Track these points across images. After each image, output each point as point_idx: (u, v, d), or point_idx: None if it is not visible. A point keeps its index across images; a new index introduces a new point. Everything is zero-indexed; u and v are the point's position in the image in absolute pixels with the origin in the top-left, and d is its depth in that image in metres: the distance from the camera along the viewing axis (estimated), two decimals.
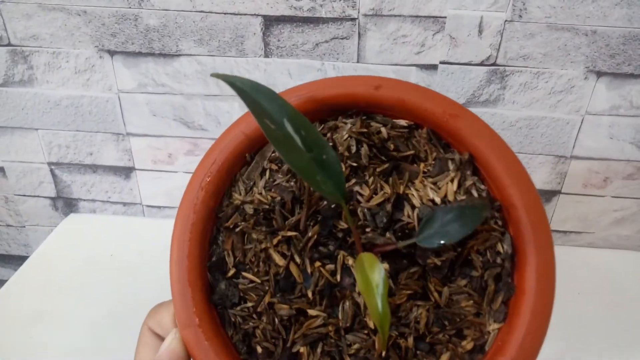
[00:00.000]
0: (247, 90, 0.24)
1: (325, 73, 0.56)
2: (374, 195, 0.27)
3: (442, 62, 0.55)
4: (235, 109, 0.59)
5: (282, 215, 0.27)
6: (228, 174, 0.28)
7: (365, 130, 0.28)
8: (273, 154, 0.29)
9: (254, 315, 0.27)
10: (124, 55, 0.58)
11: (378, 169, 0.27)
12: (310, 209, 0.27)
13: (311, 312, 0.26)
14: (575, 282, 0.59)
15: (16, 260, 0.77)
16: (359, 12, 0.53)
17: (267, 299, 0.27)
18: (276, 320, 0.27)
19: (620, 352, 0.50)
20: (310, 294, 0.26)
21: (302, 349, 0.26)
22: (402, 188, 0.27)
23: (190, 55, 0.57)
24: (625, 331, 0.52)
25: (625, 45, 0.52)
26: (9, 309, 0.54)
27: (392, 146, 0.28)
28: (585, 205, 0.63)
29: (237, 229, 0.28)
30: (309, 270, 0.27)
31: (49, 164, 0.66)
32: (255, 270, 0.27)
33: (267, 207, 0.27)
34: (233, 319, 0.27)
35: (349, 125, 0.28)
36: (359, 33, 0.54)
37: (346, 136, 0.28)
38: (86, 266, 0.60)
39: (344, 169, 0.27)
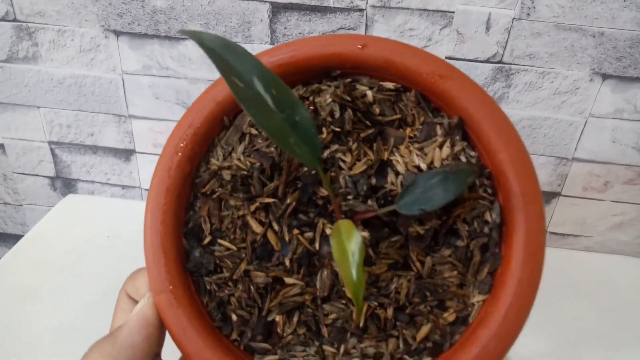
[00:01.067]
0: (215, 48, 0.22)
1: None
2: (356, 162, 0.26)
3: (448, 58, 0.55)
4: None
5: (260, 181, 0.26)
6: (205, 138, 0.27)
7: (349, 93, 0.27)
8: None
9: (230, 283, 0.27)
10: (130, 36, 0.57)
11: (362, 135, 0.26)
12: (290, 176, 0.26)
13: (288, 280, 0.26)
14: (570, 285, 0.59)
15: (12, 239, 0.76)
16: (367, 3, 0.53)
17: (243, 266, 0.26)
18: (252, 288, 0.26)
19: (615, 357, 0.50)
20: (287, 262, 0.26)
21: (277, 318, 0.26)
22: (386, 154, 0.26)
23: None
24: (619, 336, 0.52)
25: (632, 49, 0.52)
26: (2, 286, 0.54)
27: (377, 110, 0.27)
28: (584, 209, 0.62)
29: (214, 195, 0.27)
30: (287, 238, 0.26)
31: (50, 143, 0.66)
32: (232, 237, 0.27)
33: (245, 173, 0.26)
34: (208, 287, 0.27)
35: (332, 89, 0.27)
36: (366, 24, 0.54)
37: (329, 100, 0.26)
38: (82, 246, 0.60)
39: (325, 134, 0.26)
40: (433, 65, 0.26)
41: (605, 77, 0.54)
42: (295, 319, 0.26)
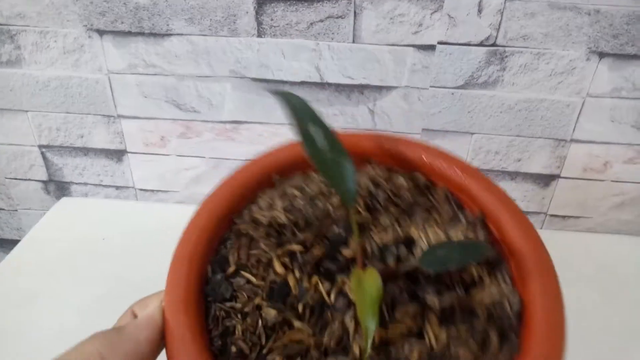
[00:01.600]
0: (297, 109, 0.27)
1: (320, 53, 0.55)
2: (385, 232, 0.28)
3: (440, 43, 0.53)
4: (227, 90, 0.58)
5: (292, 231, 0.29)
6: (251, 191, 0.32)
7: (386, 178, 0.31)
8: (295, 182, 0.32)
9: (239, 315, 0.27)
10: (114, 35, 0.56)
11: (392, 209, 0.29)
12: (320, 232, 0.28)
13: (297, 324, 0.26)
14: (572, 268, 0.58)
15: (9, 244, 0.76)
16: None
17: (257, 300, 0.27)
18: (260, 323, 0.26)
19: (616, 339, 0.49)
20: (300, 307, 0.26)
21: (277, 359, 0.25)
22: (414, 231, 0.28)
23: (181, 34, 0.55)
24: (622, 318, 0.51)
25: (629, 25, 0.50)
26: (1, 290, 0.54)
27: (409, 196, 0.30)
28: (584, 190, 0.62)
29: (247, 234, 0.29)
30: (305, 285, 0.27)
31: (40, 146, 0.65)
32: (254, 272, 0.28)
33: (281, 222, 0.29)
34: (217, 313, 0.27)
35: (371, 170, 0.32)
36: (354, 12, 0.52)
37: (367, 179, 0.31)
38: (78, 249, 0.60)
39: (361, 205, 0.30)
40: (459, 167, 0.31)
41: (602, 55, 0.52)
42: None
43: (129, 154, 0.65)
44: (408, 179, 0.31)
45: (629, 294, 0.54)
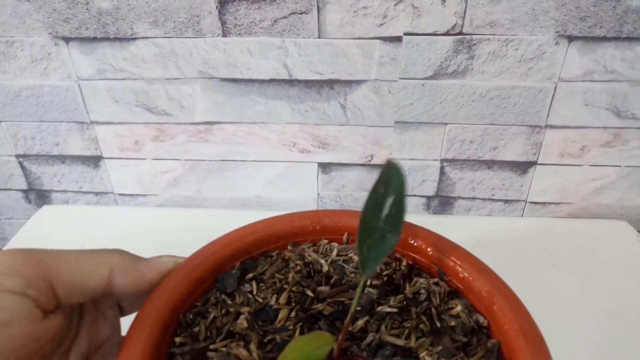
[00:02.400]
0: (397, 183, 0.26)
1: (287, 50, 0.54)
2: (393, 337, 0.27)
3: (406, 34, 0.53)
4: (197, 91, 0.58)
5: (318, 282, 0.30)
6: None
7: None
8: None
9: (217, 309, 0.28)
10: (80, 42, 0.56)
11: (416, 323, 0.28)
12: (339, 294, 0.29)
13: (252, 347, 0.26)
14: (552, 254, 0.58)
15: None
16: None
17: (243, 309, 0.28)
18: (227, 326, 0.28)
19: (595, 324, 0.49)
20: (268, 338, 0.27)
21: None
22: (423, 350, 0.26)
23: (147, 37, 0.55)
24: (603, 303, 0.51)
25: (596, 7, 0.50)
26: None
27: (434, 312, 0.28)
28: (562, 176, 0.61)
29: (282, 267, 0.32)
30: (289, 325, 0.28)
31: (17, 156, 0.65)
32: (263, 285, 0.30)
33: (316, 269, 0.31)
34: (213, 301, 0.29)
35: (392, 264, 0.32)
36: (317, 7, 0.52)
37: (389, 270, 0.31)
38: None
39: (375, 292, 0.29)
40: (476, 266, 0.30)
41: (571, 39, 0.52)
42: None
43: (105, 160, 0.65)
44: (434, 284, 0.30)
45: (611, 278, 0.54)
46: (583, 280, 0.54)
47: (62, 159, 0.65)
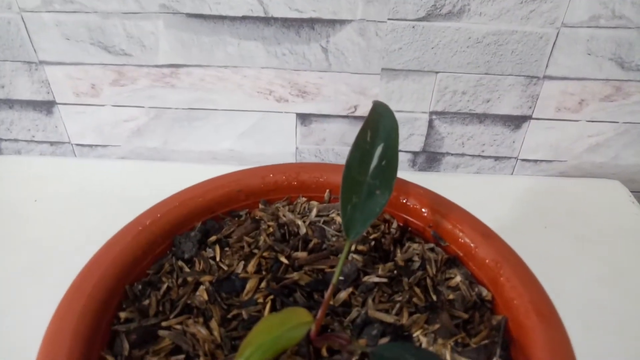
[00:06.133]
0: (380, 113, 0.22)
1: None
2: (383, 313, 0.23)
3: None
4: (160, 29, 0.51)
5: (294, 246, 0.26)
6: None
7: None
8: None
9: (173, 276, 0.25)
10: None
11: (409, 296, 0.24)
12: (319, 261, 0.25)
13: (213, 325, 0.22)
14: (543, 214, 0.55)
15: None
16: None
17: (204, 277, 0.24)
18: (184, 297, 0.24)
19: (590, 285, 0.46)
20: (232, 313, 0.23)
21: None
22: (417, 329, 0.22)
23: None
24: (595, 263, 0.49)
25: None
26: None
27: (429, 283, 0.24)
28: (557, 132, 0.57)
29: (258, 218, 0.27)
30: (257, 298, 0.24)
31: None
32: (231, 250, 0.26)
33: (292, 232, 0.27)
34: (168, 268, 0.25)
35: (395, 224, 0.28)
36: None
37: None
38: (7, 213, 0.54)
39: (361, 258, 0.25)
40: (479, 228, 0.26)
41: None
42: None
43: (59, 106, 0.58)
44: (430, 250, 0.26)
45: (602, 240, 0.51)
46: (573, 242, 0.51)
47: (9, 103, 0.58)
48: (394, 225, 0.27)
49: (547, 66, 0.52)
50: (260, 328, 0.18)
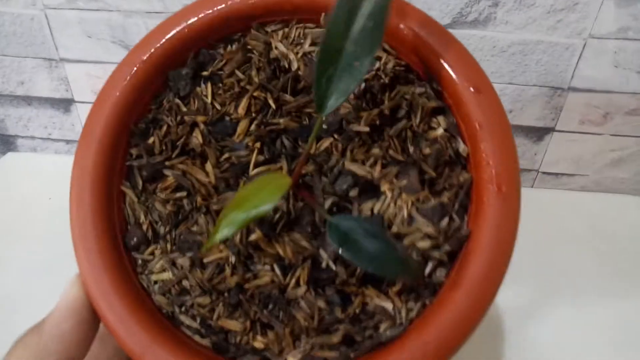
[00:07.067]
0: None
1: None
2: (354, 164, 0.23)
3: None
4: None
5: (283, 86, 0.25)
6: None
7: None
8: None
9: (168, 119, 0.25)
10: None
11: (387, 148, 0.23)
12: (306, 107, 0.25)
13: (208, 167, 0.24)
14: (564, 228, 0.53)
15: None
16: None
17: (199, 118, 0.25)
18: (181, 139, 0.25)
19: (608, 303, 0.45)
20: (225, 156, 0.24)
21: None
22: (384, 183, 0.23)
23: None
24: (616, 280, 0.47)
25: None
26: None
27: (410, 135, 0.24)
28: (580, 145, 0.56)
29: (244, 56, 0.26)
30: (247, 141, 0.25)
31: None
32: (221, 92, 0.26)
33: (282, 67, 0.25)
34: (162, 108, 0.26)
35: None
36: None
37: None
38: (22, 209, 0.54)
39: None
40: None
41: None
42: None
43: (77, 104, 0.58)
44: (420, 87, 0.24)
45: (624, 255, 0.50)
46: (595, 257, 0.50)
47: (28, 100, 0.58)
48: (390, 64, 0.25)
49: (572, 77, 0.51)
50: (236, 200, 0.20)
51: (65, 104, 0.58)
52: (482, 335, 0.21)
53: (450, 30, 0.48)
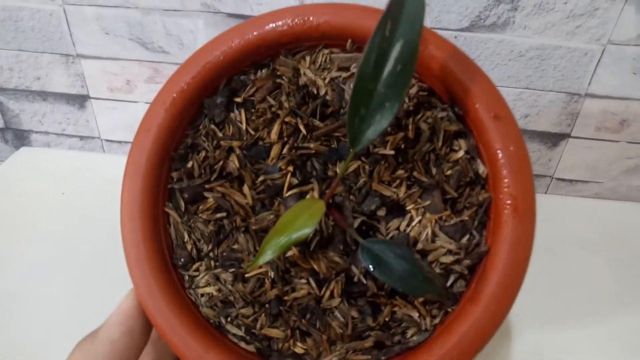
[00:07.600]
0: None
1: None
2: (383, 187, 0.25)
3: None
4: (200, 27, 0.51)
5: (313, 111, 0.26)
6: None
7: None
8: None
9: (209, 143, 0.27)
10: None
11: (411, 169, 0.25)
12: (336, 131, 0.26)
13: (245, 189, 0.26)
14: (578, 235, 0.53)
15: None
16: None
17: (234, 143, 0.26)
18: (218, 164, 0.26)
19: (622, 311, 0.44)
20: (261, 179, 0.26)
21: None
22: (409, 204, 0.25)
23: None
24: (629, 289, 0.47)
25: None
26: None
27: (432, 157, 0.25)
28: (596, 152, 0.56)
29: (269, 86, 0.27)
30: (280, 165, 0.26)
31: None
32: (253, 118, 0.27)
33: (311, 92, 0.26)
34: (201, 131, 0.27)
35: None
36: None
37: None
38: (35, 204, 0.54)
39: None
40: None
41: None
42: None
43: (92, 100, 0.58)
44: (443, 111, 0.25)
45: (639, 264, 0.50)
46: (609, 265, 0.49)
47: (43, 95, 0.58)
48: (414, 89, 0.26)
49: (589, 83, 0.51)
50: (277, 227, 0.22)
51: (80, 100, 0.58)
52: (494, 339, 0.22)
53: (468, 34, 0.49)
